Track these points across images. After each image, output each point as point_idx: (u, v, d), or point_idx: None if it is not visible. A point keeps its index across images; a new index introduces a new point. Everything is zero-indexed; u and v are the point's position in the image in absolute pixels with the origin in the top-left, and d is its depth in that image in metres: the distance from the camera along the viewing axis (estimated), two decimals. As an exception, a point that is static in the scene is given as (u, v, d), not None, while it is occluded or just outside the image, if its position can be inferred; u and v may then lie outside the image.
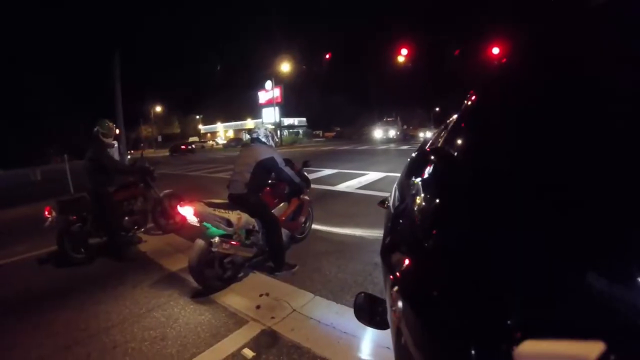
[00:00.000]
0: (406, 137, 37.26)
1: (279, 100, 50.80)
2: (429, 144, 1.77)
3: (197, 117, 79.06)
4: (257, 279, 4.18)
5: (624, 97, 0.78)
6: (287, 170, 4.41)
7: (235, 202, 4.08)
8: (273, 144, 4.56)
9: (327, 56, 35.97)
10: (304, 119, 66.49)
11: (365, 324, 1.28)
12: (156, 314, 3.55)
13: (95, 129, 5.20)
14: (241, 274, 4.19)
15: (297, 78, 49.40)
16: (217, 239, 3.74)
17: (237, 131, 64.91)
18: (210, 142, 63.35)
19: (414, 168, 1.41)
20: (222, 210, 3.85)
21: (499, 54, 19.68)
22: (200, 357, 2.84)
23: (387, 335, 0.97)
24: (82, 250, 5.12)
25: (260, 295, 3.72)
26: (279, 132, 45.55)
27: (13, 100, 47.98)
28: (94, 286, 4.32)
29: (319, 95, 64.70)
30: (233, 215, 3.89)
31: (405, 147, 24.11)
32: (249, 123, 60.20)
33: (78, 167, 5.57)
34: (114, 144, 6.52)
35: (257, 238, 4.20)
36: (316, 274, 4.16)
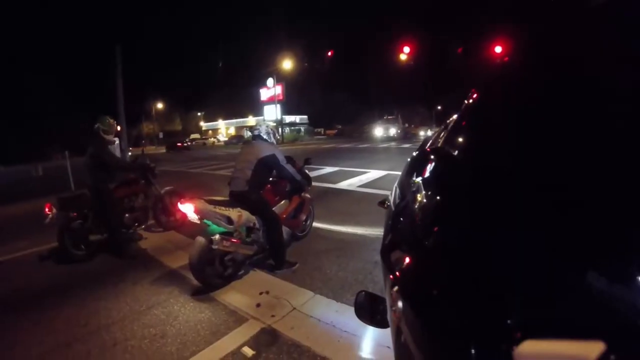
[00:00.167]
0: (407, 135, 37.27)
1: (281, 97, 50.77)
2: (429, 144, 1.77)
3: (199, 114, 79.16)
4: (258, 277, 4.18)
5: (624, 97, 0.78)
6: (289, 167, 4.40)
7: (236, 200, 4.07)
8: (274, 142, 4.55)
9: (329, 54, 35.92)
10: (306, 117, 66.49)
11: (365, 323, 1.28)
12: (156, 312, 3.55)
13: (96, 126, 5.19)
14: (241, 272, 4.19)
15: (299, 76, 49.42)
16: (217, 237, 3.72)
17: (239, 128, 64.96)
18: (212, 139, 63.46)
19: (415, 167, 1.41)
20: (223, 208, 3.84)
21: (501, 52, 19.66)
22: (200, 355, 2.84)
23: (387, 334, 0.97)
24: (83, 247, 5.11)
25: (261, 293, 3.71)
26: (280, 129, 45.60)
27: (13, 98, 48.07)
28: (94, 283, 4.31)
29: (321, 93, 64.84)
30: (234, 213, 3.87)
31: (406, 146, 24.12)
32: (251, 120, 60.28)
33: (79, 164, 5.56)
34: (114, 141, 6.50)
35: (257, 236, 4.19)
36: (316, 272, 4.15)
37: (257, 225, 4.16)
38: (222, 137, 66.05)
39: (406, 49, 23.07)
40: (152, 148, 51.19)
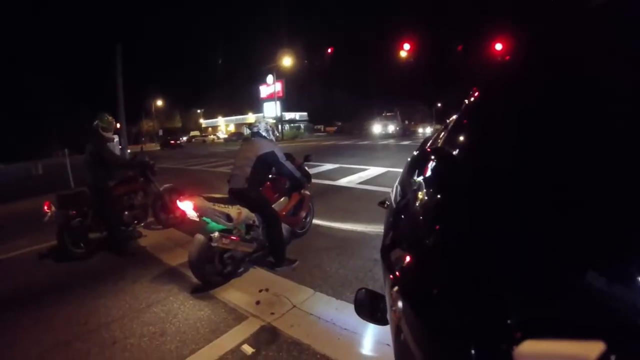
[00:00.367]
0: (406, 132, 37.28)
1: (281, 94, 50.70)
2: (429, 143, 1.77)
3: (199, 111, 79.15)
4: (257, 275, 4.17)
5: (624, 97, 0.78)
6: (288, 164, 4.39)
7: (235, 197, 4.06)
8: (273, 138, 4.54)
9: (329, 50, 35.86)
10: (305, 114, 66.48)
11: (365, 320, 1.28)
12: (156, 310, 3.54)
13: (95, 123, 5.17)
14: (241, 269, 4.18)
15: (299, 72, 49.35)
16: (216, 234, 3.72)
17: (239, 125, 64.91)
18: (212, 136, 63.49)
19: (415, 167, 1.41)
20: (222, 205, 3.83)
21: (501, 50, 19.67)
22: (199, 353, 2.83)
23: (387, 332, 0.97)
24: (82, 245, 5.10)
25: (260, 291, 3.70)
26: (280, 126, 45.56)
27: (14, 96, 48.09)
28: (94, 281, 4.31)
29: (321, 90, 64.81)
30: (233, 210, 3.86)
31: (405, 143, 24.10)
32: (250, 117, 60.24)
33: (79, 162, 5.55)
34: (113, 138, 6.49)
35: (257, 233, 4.18)
36: (316, 270, 4.14)
37: (257, 223, 4.15)
38: (222, 134, 66.03)
39: (406, 46, 23.06)
40: (152, 145, 51.27)
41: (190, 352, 2.85)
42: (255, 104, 59.35)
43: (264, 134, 4.42)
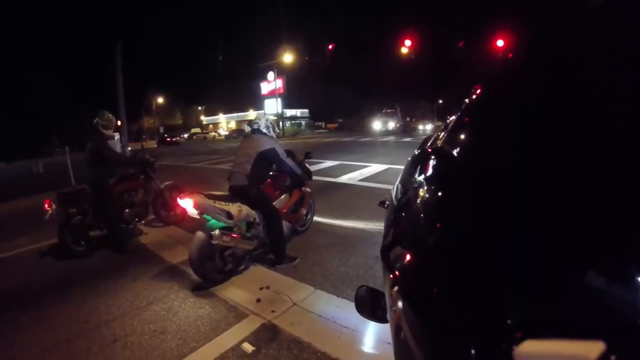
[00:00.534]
0: (406, 129, 37.25)
1: (282, 91, 50.75)
2: (430, 143, 1.77)
3: (199, 108, 79.13)
4: (258, 272, 4.16)
5: (624, 97, 0.78)
6: (289, 161, 4.37)
7: (236, 194, 4.04)
8: (274, 135, 4.51)
9: (330, 47, 35.81)
10: (307, 110, 66.45)
11: (366, 318, 1.27)
12: (156, 307, 3.54)
13: (95, 121, 5.16)
14: (242, 267, 4.17)
15: (300, 69, 49.43)
16: (217, 232, 3.71)
17: (239, 122, 64.95)
18: (212, 133, 63.56)
19: (416, 167, 1.41)
20: (223, 203, 3.82)
21: (503, 46, 19.63)
22: (200, 351, 2.83)
23: (388, 330, 0.97)
24: (83, 242, 5.10)
25: (261, 289, 3.70)
26: (281, 123, 45.56)
27: (14, 96, 48.19)
28: (94, 279, 4.31)
29: (322, 87, 64.78)
30: (233, 208, 3.85)
31: (407, 140, 24.07)
32: (251, 114, 60.14)
33: (80, 160, 5.54)
34: (114, 136, 6.48)
35: (257, 230, 4.17)
36: (317, 267, 4.13)
37: (257, 220, 4.14)
38: (223, 131, 66.11)
39: (407, 42, 22.96)
40: (153, 142, 51.49)
41: (191, 350, 2.84)
42: (256, 101, 59.36)
43: (264, 130, 4.40)
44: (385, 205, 1.75)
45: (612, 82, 0.85)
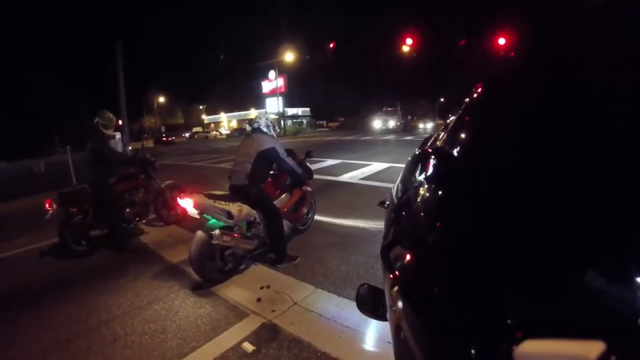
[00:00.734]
0: (407, 127, 37.22)
1: (283, 90, 50.73)
2: (430, 142, 1.77)
3: (201, 107, 79.18)
4: (258, 271, 4.16)
5: (625, 97, 0.78)
6: (289, 160, 4.35)
7: (236, 194, 4.04)
8: (274, 134, 4.50)
9: (331, 45, 35.77)
10: (308, 109, 66.43)
11: (367, 316, 1.28)
12: (157, 307, 3.54)
13: (96, 120, 5.16)
14: (242, 266, 4.17)
15: (301, 68, 49.38)
16: (217, 231, 3.70)
17: (241, 121, 64.98)
18: (214, 132, 63.65)
19: (416, 166, 1.41)
20: (223, 202, 3.81)
21: (504, 44, 19.61)
22: (200, 351, 2.82)
23: (388, 329, 0.99)
24: (83, 242, 5.10)
25: (261, 288, 3.69)
26: (282, 122, 45.53)
27: (15, 96, 48.31)
28: (95, 278, 4.31)
29: (323, 85, 64.77)
30: (234, 207, 3.84)
31: (408, 138, 24.04)
32: (253, 113, 60.17)
33: (81, 159, 5.54)
34: (114, 135, 6.48)
35: (258, 230, 4.16)
36: (318, 266, 4.12)
37: (258, 219, 4.13)
38: (224, 130, 66.17)
39: (409, 41, 22.92)
40: (151, 142, 51.94)
41: (191, 350, 2.84)
42: (257, 100, 59.40)
43: (264, 129, 4.38)
44: (385, 205, 1.74)
45: (612, 82, 0.84)
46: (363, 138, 27.42)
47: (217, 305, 3.47)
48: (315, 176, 5.83)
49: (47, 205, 5.06)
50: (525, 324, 0.54)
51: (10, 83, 47.45)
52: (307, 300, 3.42)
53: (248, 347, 2.80)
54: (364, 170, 10.71)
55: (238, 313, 3.31)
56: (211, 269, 3.82)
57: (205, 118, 78.90)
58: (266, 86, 55.05)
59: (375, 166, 11.38)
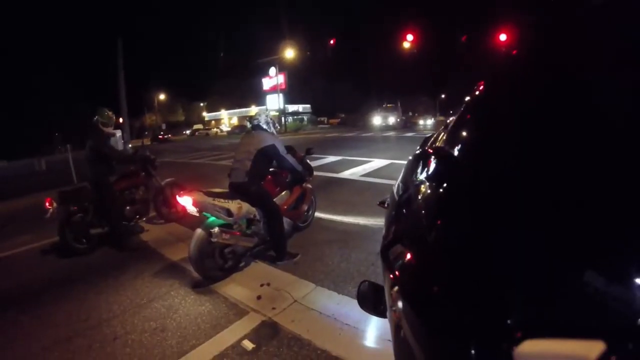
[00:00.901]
0: (407, 124, 37.19)
1: (283, 87, 50.66)
2: (430, 142, 1.77)
3: (201, 104, 79.17)
4: (259, 269, 4.15)
5: (625, 97, 0.78)
6: (289, 158, 4.34)
7: (236, 191, 4.03)
8: (274, 131, 4.48)
9: (332, 42, 35.68)
10: (309, 106, 66.39)
11: (368, 312, 1.28)
12: (157, 305, 3.54)
13: (95, 118, 5.15)
14: (242, 264, 4.17)
15: (302, 65, 49.34)
16: (216, 229, 3.69)
17: (242, 118, 64.98)
18: (215, 129, 63.70)
19: (417, 166, 1.41)
20: (222, 200, 3.80)
21: (506, 40, 19.60)
22: (200, 349, 2.82)
23: (388, 327, 0.97)
24: (84, 240, 5.11)
25: (262, 286, 3.69)
26: (283, 118, 45.49)
27: (15, 95, 48.37)
28: (95, 276, 4.31)
29: (324, 82, 64.68)
30: (233, 205, 3.83)
31: (409, 135, 24.00)
32: (253, 110, 60.12)
33: (82, 157, 5.54)
34: (114, 133, 6.47)
35: (258, 227, 4.15)
36: (318, 264, 4.12)
37: (258, 217, 4.12)
38: (225, 127, 66.17)
39: (409, 37, 22.87)
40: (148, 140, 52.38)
41: (191, 348, 2.84)
42: (258, 97, 59.41)
43: (264, 126, 4.37)
44: (386, 205, 1.74)
45: (612, 83, 0.84)
46: (364, 135, 27.38)
47: (217, 303, 3.47)
48: (315, 173, 5.82)
49: (47, 204, 5.06)
50: (525, 324, 0.53)
51: (11, 82, 47.49)
52: (307, 297, 3.42)
53: (248, 344, 2.79)
54: (365, 167, 10.69)
55: (238, 311, 3.31)
56: (211, 266, 3.81)
57: (205, 115, 78.87)
58: (267, 83, 55.02)
59: (376, 163, 11.36)
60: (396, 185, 1.55)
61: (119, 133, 18.95)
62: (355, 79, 67.46)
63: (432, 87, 57.32)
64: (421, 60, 44.94)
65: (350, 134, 28.78)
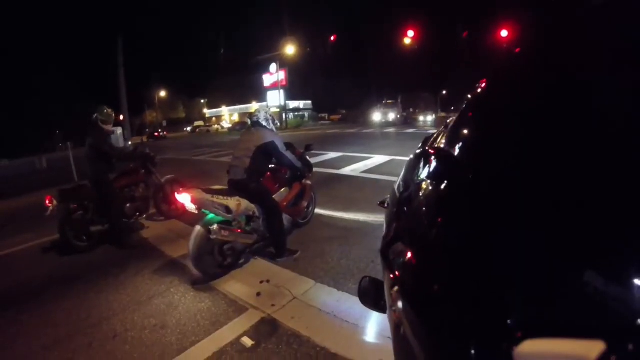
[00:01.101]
0: (407, 120, 37.15)
1: (284, 83, 50.61)
2: (431, 141, 1.78)
3: (202, 101, 79.11)
4: (258, 266, 4.15)
5: (625, 97, 0.77)
6: (288, 154, 4.33)
7: (235, 188, 4.02)
8: (274, 128, 4.47)
9: (332, 38, 35.62)
10: (310, 102, 66.30)
11: (369, 308, 1.29)
12: (157, 302, 3.54)
13: (95, 116, 5.15)
14: (242, 261, 4.16)
15: (303, 61, 49.30)
16: (215, 226, 3.69)
17: (242, 115, 64.94)
18: (216, 126, 63.75)
19: (417, 166, 1.40)
20: (221, 197, 3.79)
21: (507, 37, 19.57)
22: (199, 346, 2.82)
23: (388, 324, 0.97)
24: (84, 238, 5.12)
25: (261, 282, 3.68)
26: (284, 115, 45.45)
27: (16, 93, 48.37)
28: (96, 274, 4.32)
29: (324, 79, 64.52)
30: (232, 202, 3.82)
31: (410, 131, 23.96)
32: (254, 106, 60.07)
33: (82, 155, 5.54)
34: (114, 131, 6.46)
35: (257, 224, 4.15)
36: (318, 260, 4.11)
37: (257, 214, 4.11)
38: (226, 123, 66.17)
39: (410, 33, 22.84)
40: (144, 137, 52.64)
41: (191, 345, 2.84)
42: (259, 93, 59.29)
43: (264, 123, 4.36)
44: (386, 205, 1.74)
45: (612, 83, 0.83)
46: (364, 131, 27.35)
47: (217, 300, 3.47)
48: (316, 169, 5.81)
49: (47, 202, 5.06)
50: (525, 324, 0.53)
51: (11, 82, 47.46)
52: (307, 294, 3.41)
53: (247, 341, 2.79)
54: (366, 163, 10.68)
55: (237, 308, 3.31)
56: (210, 263, 3.81)
57: (206, 112, 78.75)
58: (267, 79, 54.99)
59: (377, 159, 11.34)
60: (397, 185, 1.55)
61: (119, 130, 18.99)
62: (356, 76, 67.31)
63: (433, 83, 57.25)
64: (422, 56, 44.87)
65: (351, 130, 28.75)
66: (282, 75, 49.74)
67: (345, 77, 65.12)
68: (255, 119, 4.41)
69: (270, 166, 4.49)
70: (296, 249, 4.26)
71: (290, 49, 40.64)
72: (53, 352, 2.94)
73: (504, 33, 19.75)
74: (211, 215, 3.75)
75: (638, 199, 0.57)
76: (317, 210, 5.68)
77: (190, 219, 5.66)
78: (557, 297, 0.53)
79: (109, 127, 5.38)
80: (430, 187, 1.10)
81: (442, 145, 1.46)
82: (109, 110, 5.29)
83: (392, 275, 0.91)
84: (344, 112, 64.39)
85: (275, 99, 50.34)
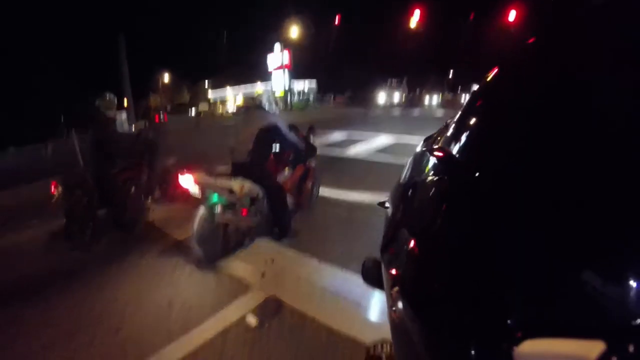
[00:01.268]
0: (413, 101, 36.89)
1: (289, 64, 50.08)
2: (433, 140, 1.77)
3: (207, 85, 78.70)
4: (262, 246, 4.17)
5: (624, 97, 0.76)
6: (291, 136, 4.32)
7: (238, 170, 4.02)
8: (277, 111, 4.45)
9: (337, 19, 35.20)
10: (314, 81, 65.78)
11: (373, 286, 1.30)
12: (162, 284, 3.58)
13: (97, 103, 5.13)
14: (246, 241, 4.18)
15: (308, 42, 48.68)
16: (219, 208, 3.69)
17: (248, 99, 64.59)
18: (220, 109, 63.47)
19: (419, 165, 1.41)
20: (225, 179, 3.79)
21: (514, 20, 19.31)
22: (204, 325, 2.86)
23: None
24: (90, 223, 5.12)
25: (266, 263, 3.71)
26: (289, 97, 45.21)
27: (21, 81, 48.39)
28: (101, 260, 4.36)
29: (330, 60, 63.85)
30: (235, 184, 3.82)
31: (415, 114, 23.78)
32: (259, 86, 59.60)
33: (87, 141, 5.52)
34: (116, 117, 6.42)
35: (261, 206, 4.15)
36: (322, 241, 4.14)
37: (261, 196, 4.11)
38: (231, 107, 65.94)
39: (417, 13, 22.52)
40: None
41: (195, 325, 2.88)
42: (263, 75, 58.83)
43: (266, 106, 4.33)
44: (386, 205, 1.74)
45: (612, 83, 0.82)
46: (370, 112, 27.16)
47: (222, 280, 3.51)
48: (320, 151, 5.79)
49: (52, 188, 5.07)
50: (525, 324, 0.54)
51: (11, 81, 47.50)
52: (311, 274, 3.44)
53: (252, 321, 2.83)
54: (371, 143, 10.64)
55: (242, 287, 3.34)
56: (214, 245, 3.83)
57: (210, 93, 78.23)
58: (272, 61, 54.49)
59: (382, 139, 11.28)
60: (396, 185, 1.55)
61: (124, 115, 18.97)
62: (362, 57, 66.53)
63: (440, 64, 56.65)
64: (428, 37, 44.31)
65: (357, 111, 28.54)
66: (286, 56, 49.19)
67: (352, 58, 64.48)
68: (258, 102, 4.39)
69: (273, 148, 4.47)
70: (300, 230, 4.27)
71: (294, 31, 40.25)
72: (52, 351, 2.85)
73: (511, 17, 19.48)
74: (215, 198, 3.75)
75: (638, 199, 0.56)
76: (322, 191, 5.67)
77: (195, 202, 5.69)
78: (557, 297, 0.53)
79: (112, 113, 5.35)
80: (431, 186, 1.11)
81: (443, 144, 1.45)
82: (111, 96, 5.26)
83: (392, 275, 0.92)
84: (350, 93, 63.87)
85: (279, 81, 49.91)
